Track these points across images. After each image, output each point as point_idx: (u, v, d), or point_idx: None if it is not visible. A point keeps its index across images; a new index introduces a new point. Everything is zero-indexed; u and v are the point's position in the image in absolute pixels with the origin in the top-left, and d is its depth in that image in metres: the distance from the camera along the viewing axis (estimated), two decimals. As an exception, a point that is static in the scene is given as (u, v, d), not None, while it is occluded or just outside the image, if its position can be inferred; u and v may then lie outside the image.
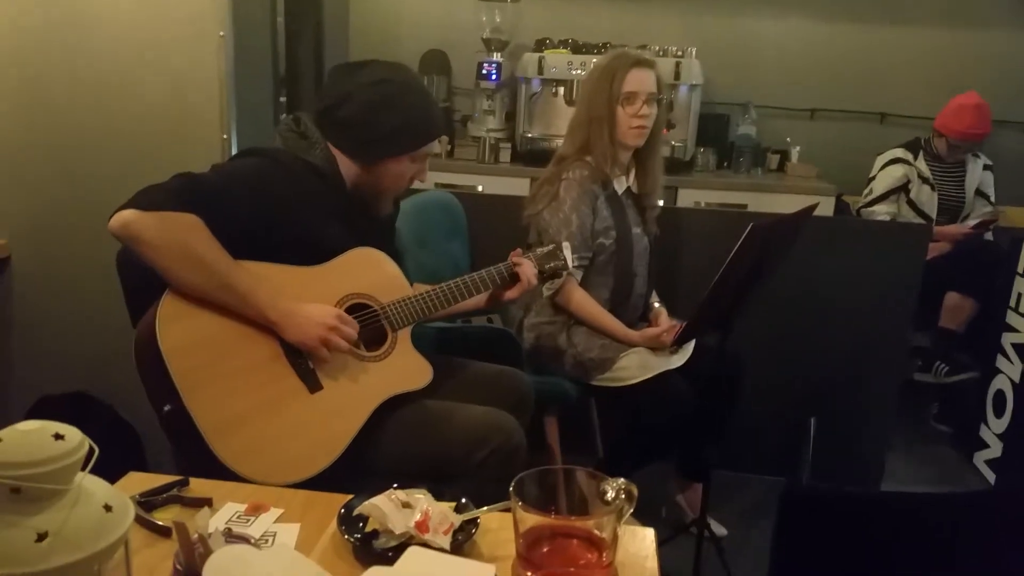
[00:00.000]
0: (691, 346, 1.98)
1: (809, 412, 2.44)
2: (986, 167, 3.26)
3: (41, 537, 0.69)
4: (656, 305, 2.19)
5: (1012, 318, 2.70)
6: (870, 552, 1.06)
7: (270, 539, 1.01)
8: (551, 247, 1.71)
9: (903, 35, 3.67)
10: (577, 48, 3.50)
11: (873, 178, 3.27)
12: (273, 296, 1.35)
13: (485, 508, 1.02)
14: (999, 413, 2.72)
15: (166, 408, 1.27)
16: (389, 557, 0.94)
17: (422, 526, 0.96)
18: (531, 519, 0.86)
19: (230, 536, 0.92)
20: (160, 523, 1.01)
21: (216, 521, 1.04)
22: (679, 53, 3.43)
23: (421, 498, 1.00)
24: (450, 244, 2.27)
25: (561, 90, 3.48)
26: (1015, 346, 2.67)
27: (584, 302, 2.01)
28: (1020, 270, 2.69)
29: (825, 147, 3.70)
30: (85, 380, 2.19)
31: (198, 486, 1.13)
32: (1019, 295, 2.68)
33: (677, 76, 3.35)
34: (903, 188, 3.21)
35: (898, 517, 1.07)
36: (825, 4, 3.68)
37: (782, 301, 2.32)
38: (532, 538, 0.87)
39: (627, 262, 2.05)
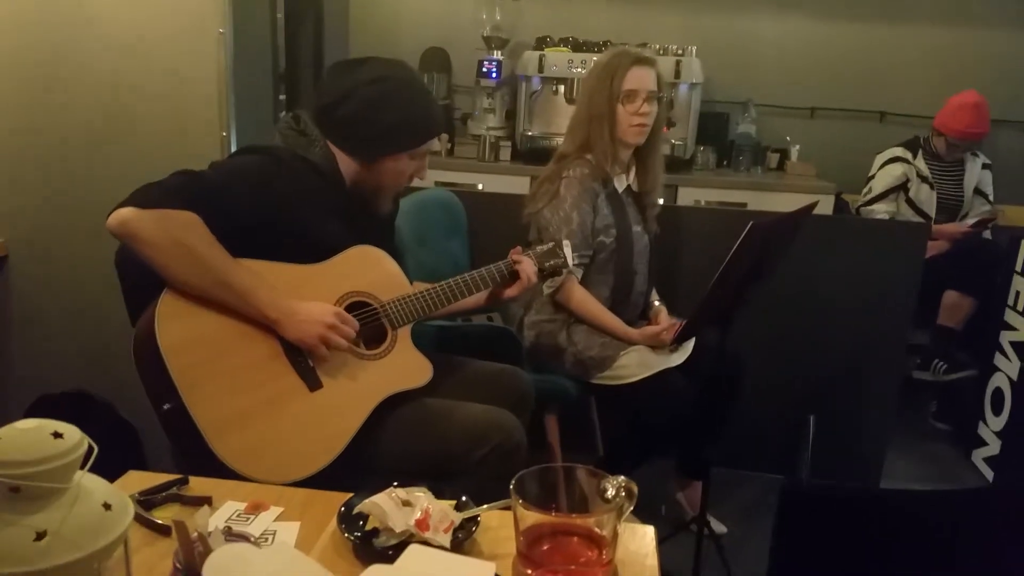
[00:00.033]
0: (691, 344, 1.98)
1: (808, 410, 2.44)
2: (985, 166, 3.26)
3: (40, 536, 0.69)
4: (656, 303, 2.19)
5: (1010, 316, 2.70)
6: (869, 549, 1.06)
7: (270, 538, 1.01)
8: (551, 245, 1.71)
9: (902, 34, 3.67)
10: (577, 46, 3.49)
11: (872, 177, 3.27)
12: (272, 294, 1.35)
13: (485, 506, 1.02)
14: (997, 411, 2.72)
15: (165, 406, 1.27)
16: (389, 555, 0.94)
17: (422, 524, 0.96)
18: (531, 517, 0.86)
19: (230, 535, 0.91)
20: (159, 522, 1.01)
21: (216, 520, 1.04)
22: (679, 52, 3.43)
23: (421, 496, 1.00)
24: (450, 242, 2.27)
25: (561, 88, 3.48)
26: (1013, 344, 2.67)
27: (584, 300, 2.01)
28: (1018, 268, 2.69)
29: (824, 146, 3.70)
30: (84, 379, 2.19)
31: (198, 485, 1.13)
32: (1017, 293, 2.68)
33: (677, 75, 3.35)
34: (902, 187, 3.21)
35: (897, 515, 1.07)
36: (825, 3, 3.68)
37: (781, 299, 2.32)
38: (532, 536, 0.87)
39: (627, 260, 2.05)
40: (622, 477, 0.89)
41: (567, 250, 1.70)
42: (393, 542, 0.96)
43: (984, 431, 2.78)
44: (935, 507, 1.08)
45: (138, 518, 1.00)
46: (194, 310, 1.31)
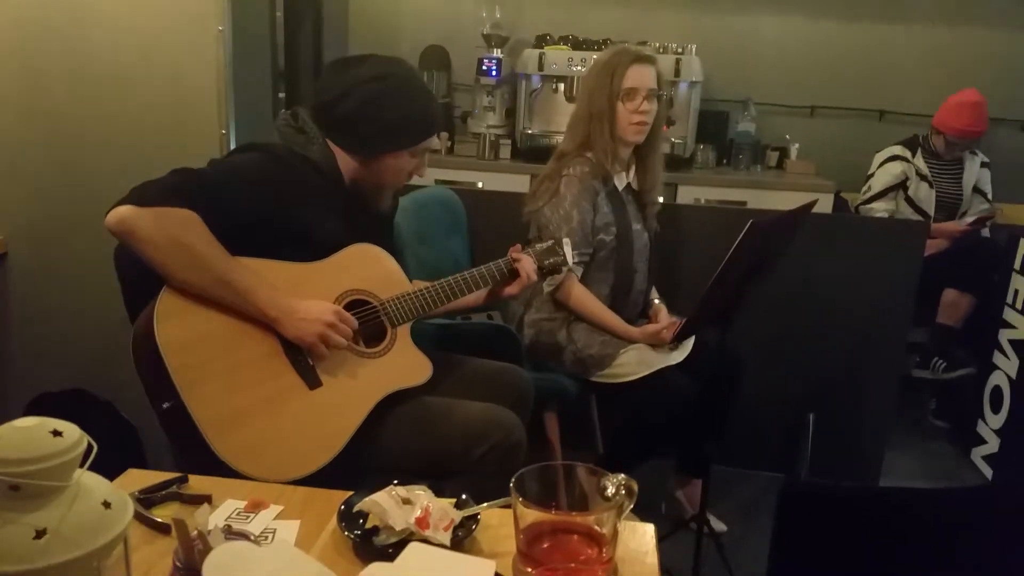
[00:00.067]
0: (690, 342, 1.98)
1: (808, 408, 2.44)
2: (983, 164, 3.26)
3: (40, 534, 0.69)
4: (656, 301, 2.19)
5: (1009, 314, 2.71)
6: (869, 547, 1.06)
7: (270, 536, 1.01)
8: (550, 243, 1.71)
9: (902, 33, 3.67)
10: (577, 44, 3.49)
11: (871, 175, 3.27)
12: (271, 292, 1.34)
13: (485, 504, 1.02)
14: (996, 409, 2.73)
15: (164, 405, 1.27)
16: (389, 554, 0.94)
17: (422, 522, 0.96)
18: (531, 515, 0.86)
19: (230, 533, 0.91)
20: (159, 520, 1.01)
21: (215, 518, 1.04)
22: (679, 50, 3.43)
23: (421, 494, 1.00)
24: (450, 241, 2.27)
25: (561, 86, 3.48)
26: (1012, 342, 2.68)
27: (584, 298, 2.00)
28: (1017, 266, 2.70)
29: (824, 144, 3.70)
30: (83, 377, 2.19)
31: (197, 483, 1.13)
32: (1016, 291, 2.68)
33: (677, 73, 3.35)
34: (901, 185, 3.21)
35: (896, 513, 1.07)
36: (825, 2, 3.68)
37: (781, 297, 2.32)
38: (532, 534, 0.87)
39: (627, 258, 2.05)
40: (622, 475, 0.89)
41: (567, 248, 1.70)
42: (393, 540, 0.96)
43: (983, 429, 2.79)
44: (934, 505, 1.08)
45: (138, 516, 1.00)
46: (193, 308, 1.31)
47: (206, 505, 1.05)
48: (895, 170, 3.20)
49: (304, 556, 0.85)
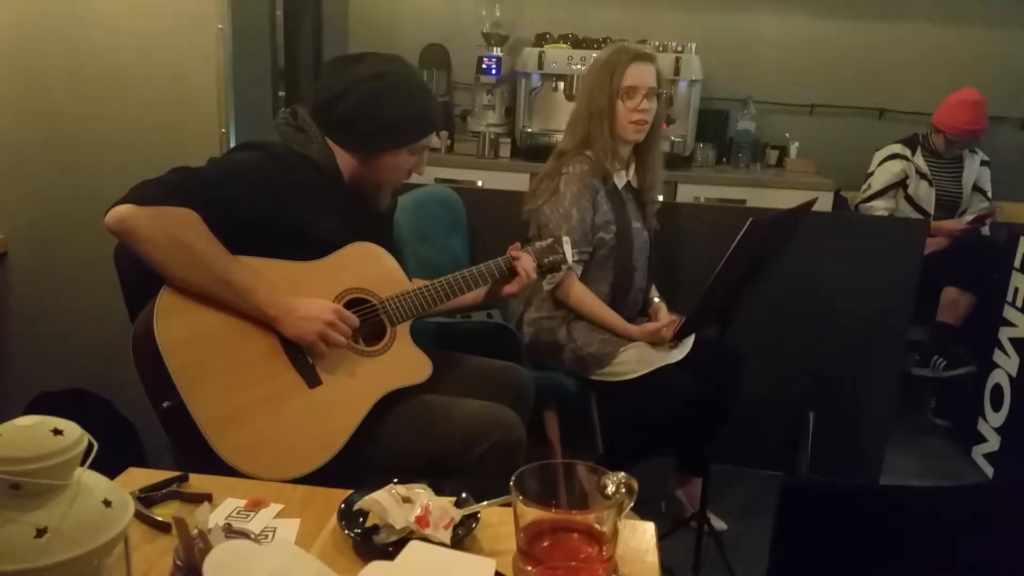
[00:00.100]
0: (690, 341, 1.98)
1: (808, 406, 2.44)
2: (983, 163, 3.26)
3: (40, 533, 0.69)
4: (656, 300, 2.19)
5: (1009, 312, 2.71)
6: (869, 545, 1.06)
7: (270, 534, 1.01)
8: (550, 241, 1.71)
9: (902, 32, 3.66)
10: (577, 43, 3.49)
11: (871, 174, 3.27)
12: (271, 291, 1.34)
13: (485, 503, 1.02)
14: (997, 407, 2.73)
15: (164, 404, 1.27)
16: (389, 552, 0.94)
17: (422, 521, 0.96)
18: (531, 513, 0.86)
19: (230, 532, 0.91)
20: (160, 519, 1.01)
21: (216, 517, 1.04)
22: (679, 49, 3.43)
23: (421, 493, 1.00)
24: (450, 239, 2.27)
25: (561, 85, 3.48)
26: (1012, 340, 2.68)
27: (583, 296, 2.00)
28: (1017, 265, 2.70)
29: (824, 143, 3.70)
30: (84, 376, 2.19)
31: (198, 482, 1.13)
32: (1016, 290, 2.68)
33: (677, 72, 3.35)
34: (901, 184, 3.21)
35: (896, 511, 1.07)
36: (825, 1, 3.67)
37: (781, 296, 2.32)
38: (533, 532, 0.87)
39: (627, 257, 2.05)
40: (622, 473, 0.89)
41: (566, 246, 1.70)
42: (393, 539, 0.96)
43: (984, 427, 2.79)
44: (935, 503, 1.08)
45: (138, 515, 1.00)
46: (192, 307, 1.31)
47: (206, 504, 1.05)
48: (895, 168, 3.20)
49: (304, 554, 0.85)
